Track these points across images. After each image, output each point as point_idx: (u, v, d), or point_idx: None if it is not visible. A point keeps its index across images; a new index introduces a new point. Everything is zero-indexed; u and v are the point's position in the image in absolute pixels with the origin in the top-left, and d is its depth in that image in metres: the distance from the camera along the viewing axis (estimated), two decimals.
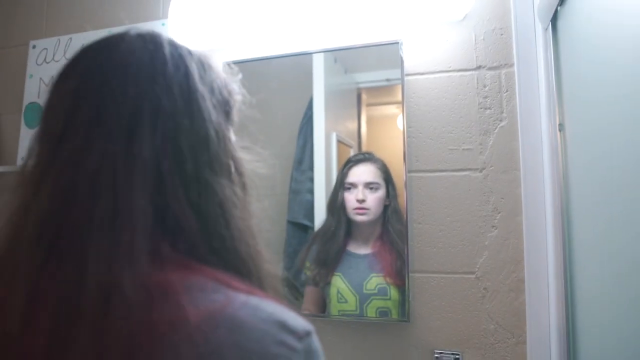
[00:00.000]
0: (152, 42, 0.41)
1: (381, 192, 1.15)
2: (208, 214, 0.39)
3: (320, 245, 1.19)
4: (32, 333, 0.32)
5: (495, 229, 1.06)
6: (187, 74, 0.41)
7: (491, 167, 1.07)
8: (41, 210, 0.35)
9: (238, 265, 0.40)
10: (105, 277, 0.33)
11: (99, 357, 0.31)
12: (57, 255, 0.34)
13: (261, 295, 0.37)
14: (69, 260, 0.34)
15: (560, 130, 1.02)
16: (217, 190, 0.40)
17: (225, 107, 0.44)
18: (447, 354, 1.06)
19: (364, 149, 1.21)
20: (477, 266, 1.06)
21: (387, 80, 1.21)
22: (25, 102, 1.47)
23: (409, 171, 1.11)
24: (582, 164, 1.01)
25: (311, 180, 1.24)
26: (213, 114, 0.41)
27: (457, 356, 1.06)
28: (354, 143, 1.24)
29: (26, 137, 1.45)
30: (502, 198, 1.06)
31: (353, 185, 1.17)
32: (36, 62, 1.47)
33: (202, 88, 0.41)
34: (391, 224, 1.14)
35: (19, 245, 0.36)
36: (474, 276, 1.06)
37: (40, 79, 1.46)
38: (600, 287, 0.98)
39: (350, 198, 1.17)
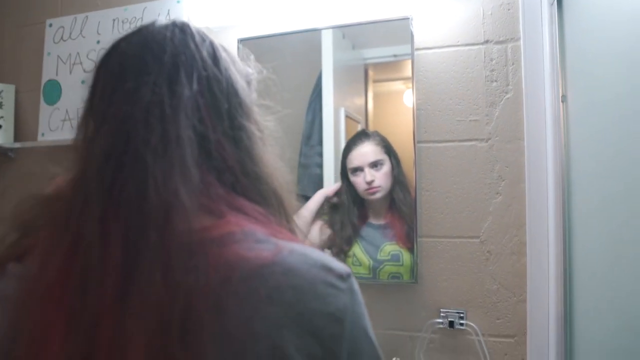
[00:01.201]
0: (179, 22, 0.48)
1: (387, 167, 1.20)
2: (243, 147, 0.46)
3: (342, 223, 1.24)
4: (108, 243, 0.38)
5: (500, 195, 1.12)
6: (212, 45, 0.48)
7: (497, 137, 1.12)
8: (105, 140, 0.42)
9: (266, 193, 0.46)
10: (163, 191, 0.38)
11: (166, 261, 0.37)
12: (122, 177, 0.40)
13: (301, 242, 0.43)
14: (132, 180, 0.39)
15: (562, 102, 1.07)
16: (248, 129, 0.47)
17: (245, 78, 0.51)
18: (453, 312, 1.14)
19: (371, 125, 1.26)
20: (482, 231, 1.13)
21: (395, 56, 1.25)
22: (44, 79, 1.51)
23: (418, 142, 1.16)
24: (583, 134, 1.07)
25: (320, 155, 1.29)
26: (237, 76, 0.48)
27: (461, 314, 1.13)
28: (362, 118, 1.28)
29: (45, 114, 1.50)
30: (507, 166, 1.12)
31: (359, 169, 1.21)
32: (53, 40, 1.51)
33: (225, 56, 0.48)
34: (396, 193, 1.19)
35: (89, 170, 0.41)
36: (478, 240, 1.13)
37: (58, 56, 1.49)
38: (597, 250, 1.04)
39: (359, 181, 1.21)
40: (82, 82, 1.45)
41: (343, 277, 0.41)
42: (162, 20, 0.48)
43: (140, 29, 0.47)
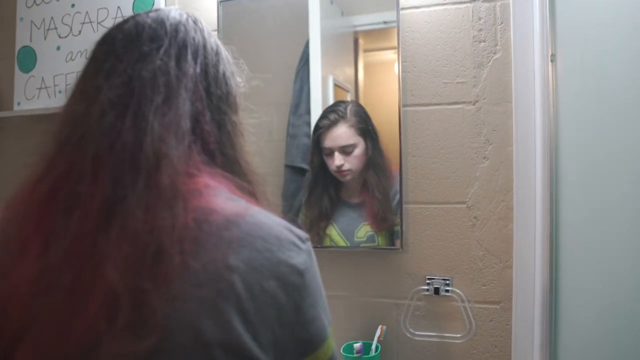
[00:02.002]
0: (192, 15, 0.53)
1: (359, 150, 1.16)
2: (224, 132, 0.51)
3: (315, 199, 1.21)
4: (97, 179, 0.41)
5: (487, 160, 1.09)
6: (216, 41, 0.54)
7: (484, 99, 1.09)
8: (112, 91, 0.45)
9: (239, 172, 0.51)
10: (157, 146, 0.43)
11: (149, 202, 0.41)
12: (120, 125, 0.43)
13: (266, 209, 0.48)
14: (131, 130, 0.43)
15: (552, 61, 1.04)
16: (231, 117, 0.53)
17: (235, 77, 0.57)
18: (438, 279, 1.12)
19: (361, 94, 1.22)
20: (469, 196, 1.10)
21: (385, 22, 1.20)
22: (18, 46, 1.45)
23: (403, 105, 1.13)
24: (572, 95, 1.03)
25: (308, 124, 1.25)
26: (230, 72, 0.54)
27: (447, 281, 1.12)
28: (351, 87, 1.24)
29: (21, 82, 1.44)
30: (494, 130, 1.09)
31: (330, 150, 1.17)
32: (26, 5, 1.44)
33: (225, 54, 0.55)
34: (370, 176, 1.16)
35: (91, 112, 0.44)
36: (465, 206, 1.11)
37: (32, 21, 1.43)
38: (583, 215, 1.02)
39: (330, 162, 1.18)
40: (58, 48, 1.41)
41: (302, 239, 0.46)
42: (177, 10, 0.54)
43: (158, 9, 0.52)
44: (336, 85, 1.26)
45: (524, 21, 1.05)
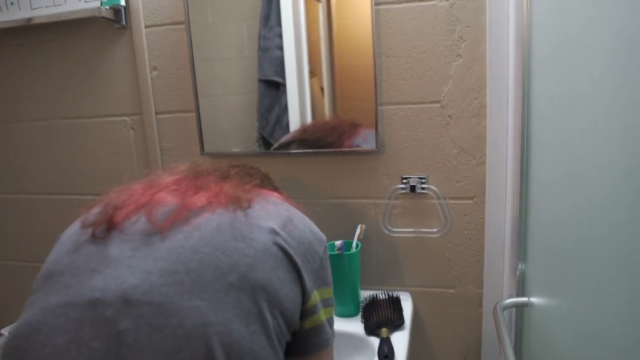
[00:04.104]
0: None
1: None
2: None
3: None
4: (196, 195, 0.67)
5: (460, 57, 1.09)
6: None
7: None
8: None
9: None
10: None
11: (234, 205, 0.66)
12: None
13: None
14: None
15: None
16: None
17: None
18: (414, 177, 1.16)
19: (333, 3, 1.18)
20: (443, 95, 1.12)
21: None
22: None
23: (375, 4, 1.11)
24: None
25: (279, 36, 1.22)
26: None
27: (423, 179, 1.16)
28: None
29: None
30: (468, 26, 1.08)
31: None
32: None
33: None
34: None
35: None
36: (439, 105, 1.12)
37: None
38: (555, 110, 1.05)
39: None
40: None
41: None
42: None
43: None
44: None
45: None
